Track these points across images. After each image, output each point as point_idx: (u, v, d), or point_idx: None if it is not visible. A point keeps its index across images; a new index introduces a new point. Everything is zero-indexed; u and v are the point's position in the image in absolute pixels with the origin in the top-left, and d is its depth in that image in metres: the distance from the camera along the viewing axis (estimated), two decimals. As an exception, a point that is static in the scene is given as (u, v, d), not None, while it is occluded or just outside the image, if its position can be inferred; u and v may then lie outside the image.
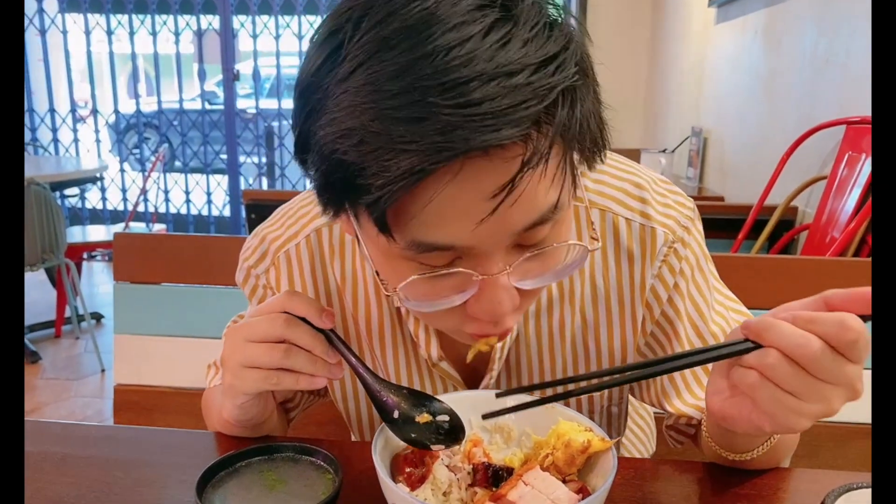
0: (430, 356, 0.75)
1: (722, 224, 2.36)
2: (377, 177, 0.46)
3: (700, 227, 0.77)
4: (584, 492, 0.59)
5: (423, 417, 0.63)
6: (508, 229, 0.51)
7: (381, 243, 0.53)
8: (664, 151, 3.46)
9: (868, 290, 0.50)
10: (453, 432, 0.63)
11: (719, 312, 0.78)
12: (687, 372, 0.76)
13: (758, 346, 0.53)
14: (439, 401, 0.65)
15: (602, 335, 0.76)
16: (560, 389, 0.58)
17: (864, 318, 0.51)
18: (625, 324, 0.76)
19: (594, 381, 0.58)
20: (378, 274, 0.58)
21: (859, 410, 1.16)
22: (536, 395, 0.61)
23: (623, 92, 4.44)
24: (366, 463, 0.65)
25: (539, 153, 0.48)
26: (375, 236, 0.52)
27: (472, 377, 0.78)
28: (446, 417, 0.64)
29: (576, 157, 0.53)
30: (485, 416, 0.61)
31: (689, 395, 0.77)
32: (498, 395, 0.59)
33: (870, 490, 0.53)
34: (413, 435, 0.62)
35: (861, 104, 1.94)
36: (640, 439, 1.01)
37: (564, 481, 0.60)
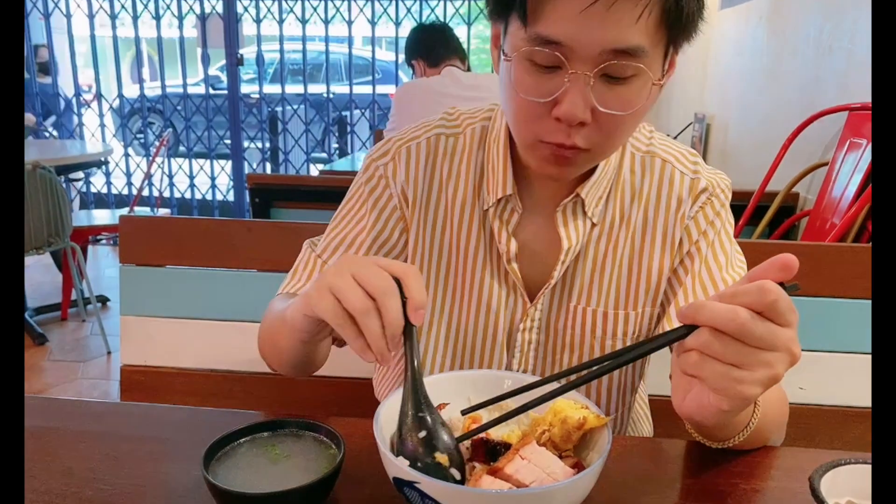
0: (508, 253, 0.85)
1: (724, 210, 2.36)
2: None
3: (730, 208, 0.90)
4: (579, 467, 0.61)
5: (440, 457, 0.60)
6: (602, 38, 0.66)
7: (516, 40, 0.70)
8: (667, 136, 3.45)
9: (783, 256, 0.54)
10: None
11: (737, 271, 0.87)
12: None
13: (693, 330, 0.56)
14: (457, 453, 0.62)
15: (644, 261, 0.87)
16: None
17: (784, 285, 0.54)
18: (665, 254, 0.87)
19: (561, 380, 0.64)
20: (507, 59, 0.73)
21: (854, 394, 1.17)
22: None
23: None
24: (367, 439, 0.67)
25: None
26: (514, 31, 0.70)
27: (532, 288, 0.88)
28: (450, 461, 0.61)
29: (665, 35, 0.68)
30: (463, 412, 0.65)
31: None
32: (464, 413, 0.65)
33: (855, 466, 0.55)
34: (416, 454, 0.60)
35: (864, 90, 1.94)
36: (642, 420, 1.03)
37: (561, 457, 0.61)
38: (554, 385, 0.63)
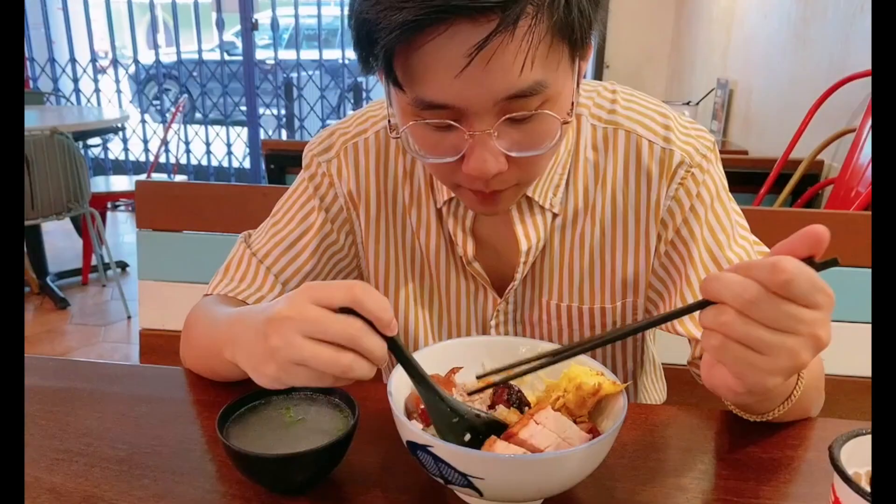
0: (466, 254, 0.81)
1: (746, 178, 2.32)
2: (383, 30, 0.57)
3: (719, 164, 0.80)
4: (594, 433, 0.60)
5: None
6: (490, 92, 0.59)
7: (402, 102, 0.64)
8: (688, 104, 3.38)
9: (811, 228, 0.48)
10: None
11: (741, 245, 0.79)
12: (698, 293, 0.75)
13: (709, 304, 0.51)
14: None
15: (618, 252, 0.81)
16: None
17: (811, 261, 0.48)
18: (639, 243, 0.80)
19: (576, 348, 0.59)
20: (396, 128, 0.68)
21: (870, 364, 1.16)
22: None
23: (649, 43, 4.32)
24: (381, 403, 0.67)
25: (509, 20, 0.55)
26: (395, 93, 0.63)
27: (500, 282, 0.83)
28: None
29: (566, 48, 0.60)
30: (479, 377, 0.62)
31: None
32: (479, 377, 0.62)
33: (877, 435, 0.54)
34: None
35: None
36: (656, 387, 1.02)
37: (575, 423, 0.61)
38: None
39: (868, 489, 0.48)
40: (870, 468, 0.53)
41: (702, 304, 0.52)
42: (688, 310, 0.54)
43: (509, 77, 0.58)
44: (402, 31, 0.56)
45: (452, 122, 0.62)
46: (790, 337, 0.49)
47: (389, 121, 0.70)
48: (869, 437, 0.54)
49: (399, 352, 0.57)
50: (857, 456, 0.53)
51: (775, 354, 0.49)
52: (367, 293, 0.54)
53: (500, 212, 0.75)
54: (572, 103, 0.66)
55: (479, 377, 0.63)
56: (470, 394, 0.63)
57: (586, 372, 0.63)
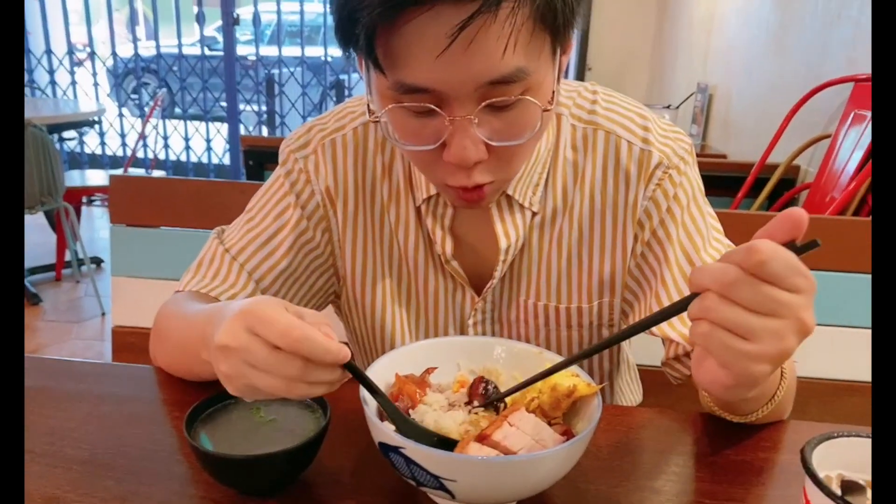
0: (444, 253, 0.80)
1: (724, 182, 2.34)
2: (365, 8, 0.56)
3: (696, 168, 0.81)
4: (568, 434, 0.60)
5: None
6: (471, 75, 0.58)
7: (381, 86, 0.62)
8: (668, 107, 3.41)
9: (790, 211, 0.49)
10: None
11: (715, 248, 0.79)
12: (673, 293, 0.77)
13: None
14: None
15: (595, 251, 0.81)
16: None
17: (793, 245, 0.48)
18: (616, 243, 0.80)
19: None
20: (375, 112, 0.66)
21: (850, 368, 1.17)
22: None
23: (630, 46, 4.35)
24: (354, 403, 0.66)
25: (491, 2, 0.55)
26: (375, 76, 0.62)
27: (478, 280, 0.83)
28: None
29: (547, 36, 0.60)
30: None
31: (678, 321, 0.76)
32: (473, 408, 0.62)
33: (848, 439, 0.54)
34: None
35: (871, 61, 1.90)
36: (632, 389, 1.02)
37: (550, 424, 0.61)
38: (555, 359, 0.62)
39: (839, 493, 0.48)
40: (841, 471, 0.54)
41: (689, 300, 0.52)
42: (677, 308, 0.54)
43: (491, 61, 0.58)
44: (384, 9, 0.56)
45: (433, 107, 0.61)
46: (773, 320, 0.49)
47: (369, 107, 0.68)
48: (841, 440, 0.54)
49: (357, 375, 0.56)
50: (829, 459, 0.53)
51: (760, 339, 0.49)
52: (306, 337, 0.51)
53: (482, 206, 0.74)
54: (553, 94, 0.65)
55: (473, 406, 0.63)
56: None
57: (561, 373, 0.62)
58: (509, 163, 0.68)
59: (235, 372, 0.53)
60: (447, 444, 0.57)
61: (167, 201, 1.24)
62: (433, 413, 0.60)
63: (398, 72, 0.59)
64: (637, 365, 1.07)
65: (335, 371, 0.54)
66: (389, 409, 0.58)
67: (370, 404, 0.58)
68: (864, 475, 0.52)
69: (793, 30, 2.45)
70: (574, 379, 0.62)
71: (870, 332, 0.47)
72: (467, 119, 0.61)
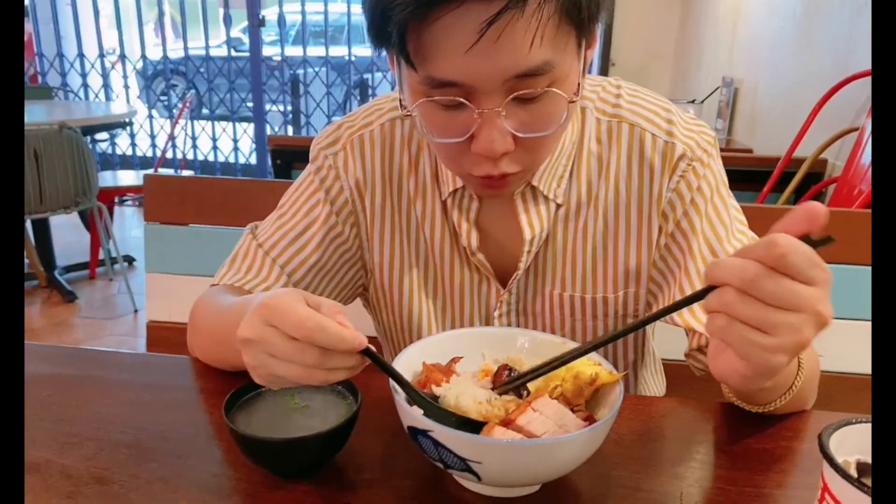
0: (470, 245, 0.82)
1: (750, 176, 2.32)
2: (397, 6, 0.59)
3: (720, 160, 0.82)
4: (590, 421, 0.62)
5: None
6: (499, 69, 0.61)
7: (412, 81, 0.65)
8: (692, 102, 3.38)
9: (807, 204, 0.50)
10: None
11: (739, 239, 0.80)
12: (697, 284, 0.78)
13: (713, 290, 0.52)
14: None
15: (620, 242, 0.82)
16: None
17: (809, 239, 0.49)
18: (641, 234, 0.81)
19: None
20: (407, 107, 0.69)
21: (870, 362, 1.16)
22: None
23: (654, 41, 4.32)
24: (384, 391, 0.68)
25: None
26: (407, 72, 0.64)
27: (503, 272, 0.84)
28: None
29: (573, 30, 0.62)
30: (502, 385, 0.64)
31: (702, 312, 0.78)
32: (496, 388, 0.64)
33: (865, 425, 0.55)
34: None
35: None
36: (655, 381, 1.03)
37: (572, 411, 0.62)
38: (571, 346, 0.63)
39: (856, 475, 0.49)
40: (859, 456, 0.54)
41: (706, 291, 0.53)
42: (692, 298, 0.55)
43: (518, 54, 0.60)
44: (416, 7, 0.58)
45: (462, 100, 0.63)
46: (792, 314, 0.50)
47: (401, 102, 0.71)
48: (858, 426, 0.55)
49: (375, 360, 0.57)
50: (847, 444, 0.54)
51: (779, 332, 0.50)
52: (320, 327, 0.53)
53: (506, 196, 0.76)
54: (578, 86, 0.67)
55: (496, 388, 0.64)
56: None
57: (584, 361, 0.64)
58: (535, 153, 0.70)
59: (258, 362, 0.56)
60: (465, 423, 0.59)
61: (199, 200, 1.28)
62: (454, 391, 0.62)
63: (428, 67, 0.62)
64: (661, 359, 1.08)
65: (352, 357, 0.56)
66: (409, 390, 0.60)
67: (399, 391, 0.60)
68: (881, 459, 0.53)
69: (819, 21, 2.42)
70: (596, 367, 0.64)
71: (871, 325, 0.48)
72: (495, 111, 0.63)
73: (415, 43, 0.61)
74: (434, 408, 0.60)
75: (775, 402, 0.71)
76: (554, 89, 0.64)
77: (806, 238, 0.50)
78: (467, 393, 0.62)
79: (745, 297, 0.50)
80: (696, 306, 0.78)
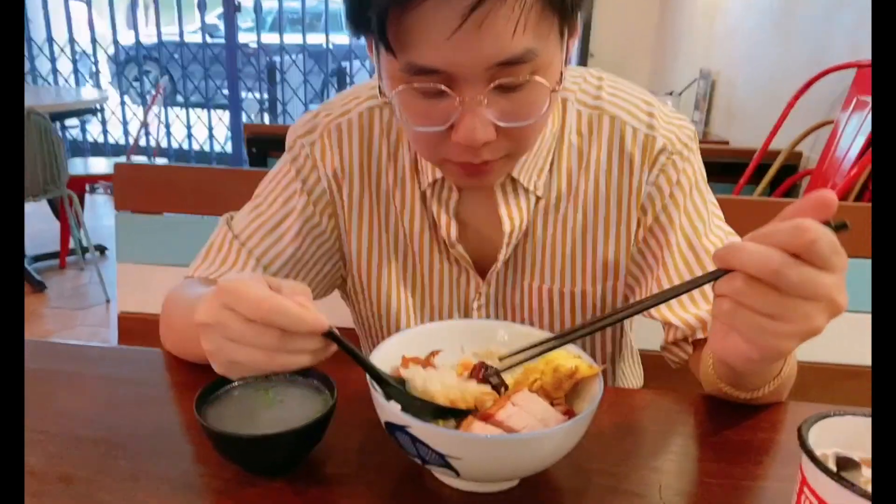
0: (449, 237, 0.81)
1: (726, 168, 2.34)
2: None
3: (699, 154, 0.82)
4: (570, 414, 0.61)
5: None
6: (481, 57, 0.59)
7: (392, 68, 0.63)
8: (671, 94, 3.40)
9: (819, 193, 0.48)
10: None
11: (716, 234, 0.80)
12: (674, 278, 0.78)
13: (724, 274, 0.51)
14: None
15: (599, 236, 0.81)
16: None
17: (829, 224, 0.48)
18: (620, 227, 0.81)
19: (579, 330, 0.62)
20: (386, 95, 0.67)
21: (848, 352, 1.18)
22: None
23: (632, 32, 4.33)
24: (361, 385, 0.67)
25: None
26: (386, 59, 0.63)
27: (482, 264, 0.84)
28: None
29: (556, 18, 0.61)
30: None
31: (678, 306, 0.78)
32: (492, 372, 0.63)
33: (844, 418, 0.55)
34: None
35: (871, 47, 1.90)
36: (633, 373, 1.04)
37: (552, 405, 0.62)
38: (546, 336, 0.63)
39: (834, 469, 0.49)
40: (837, 450, 0.55)
41: (713, 276, 0.51)
42: (700, 281, 0.53)
43: (501, 42, 0.59)
44: None
45: (443, 88, 0.62)
46: (808, 303, 0.49)
47: (380, 89, 0.69)
48: (837, 418, 0.55)
49: (338, 343, 0.56)
50: (826, 437, 0.54)
51: (792, 320, 0.49)
52: (278, 308, 0.51)
53: (486, 186, 0.75)
54: (561, 76, 0.66)
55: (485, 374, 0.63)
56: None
57: (563, 355, 0.63)
58: (517, 143, 0.69)
59: (216, 347, 0.55)
60: (432, 408, 0.59)
61: (171, 188, 1.25)
62: (421, 375, 0.61)
63: (409, 53, 0.61)
64: (639, 349, 1.08)
65: (314, 340, 0.54)
66: (374, 374, 0.59)
67: (377, 384, 0.59)
68: (859, 453, 0.53)
69: (796, 15, 2.44)
70: (576, 360, 0.63)
71: (871, 316, 0.47)
72: (477, 100, 0.62)
73: (395, 29, 0.60)
74: (399, 392, 0.59)
75: (764, 388, 0.70)
76: (537, 78, 0.63)
77: (826, 223, 0.48)
78: (435, 378, 0.61)
79: (759, 285, 0.48)
80: (673, 301, 0.78)
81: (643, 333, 1.08)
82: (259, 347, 0.53)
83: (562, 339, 0.62)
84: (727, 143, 2.89)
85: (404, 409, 0.58)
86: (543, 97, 0.65)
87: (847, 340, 1.17)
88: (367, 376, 0.59)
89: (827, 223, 0.48)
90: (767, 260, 0.47)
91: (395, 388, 0.59)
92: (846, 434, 0.55)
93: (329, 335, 0.54)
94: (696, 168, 0.81)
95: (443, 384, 0.60)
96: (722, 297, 0.51)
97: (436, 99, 0.64)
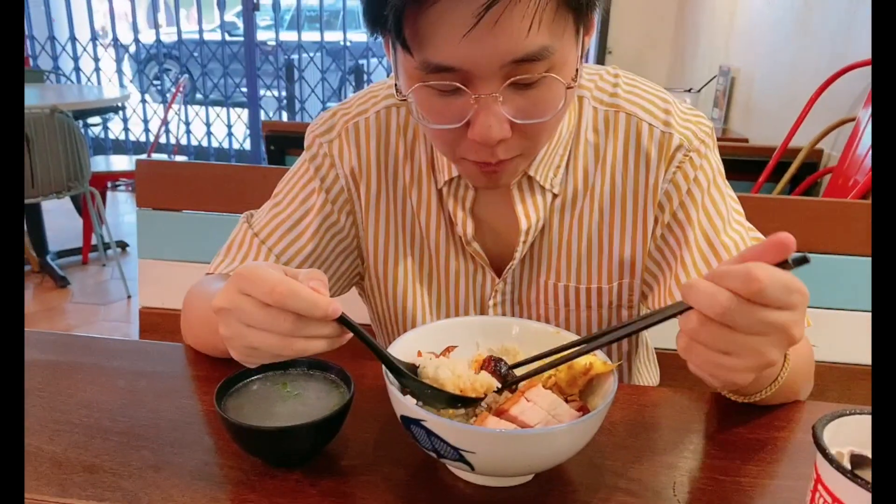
0: (465, 234, 0.81)
1: (745, 166, 2.32)
2: None
3: (716, 151, 0.82)
4: (584, 411, 0.62)
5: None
6: (496, 54, 0.60)
7: (408, 66, 0.64)
8: (689, 91, 3.37)
9: (777, 236, 0.49)
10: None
11: (735, 230, 0.80)
12: (693, 275, 0.78)
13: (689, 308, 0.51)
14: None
15: (616, 233, 0.82)
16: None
17: (783, 263, 0.49)
18: (637, 225, 0.81)
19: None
20: (402, 92, 0.68)
21: (863, 352, 1.17)
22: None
23: (651, 29, 4.30)
24: (377, 380, 0.68)
25: None
26: (403, 57, 0.63)
27: (498, 262, 0.84)
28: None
29: (571, 15, 0.62)
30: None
31: None
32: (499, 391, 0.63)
33: (859, 416, 0.55)
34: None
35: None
36: (649, 371, 1.04)
37: (566, 401, 0.62)
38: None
39: (850, 467, 0.49)
40: (852, 448, 0.55)
41: (681, 308, 0.52)
42: (668, 312, 0.54)
43: (516, 39, 0.59)
44: None
45: (458, 85, 0.62)
46: (758, 338, 0.50)
47: (396, 87, 0.70)
48: (852, 417, 0.55)
49: (350, 328, 0.57)
50: (841, 436, 0.54)
51: (741, 355, 0.50)
52: (292, 292, 0.53)
53: (502, 185, 0.75)
54: (576, 72, 0.66)
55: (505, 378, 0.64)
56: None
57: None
58: (532, 141, 0.69)
59: (233, 333, 0.56)
60: (443, 397, 0.60)
61: (192, 185, 1.27)
62: (434, 363, 0.62)
63: (425, 51, 0.61)
64: (655, 348, 1.08)
65: (329, 326, 0.55)
66: (386, 360, 0.60)
67: (393, 378, 0.60)
68: (874, 451, 0.53)
69: (817, 11, 2.41)
70: (591, 357, 0.64)
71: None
72: (492, 97, 0.63)
73: (411, 27, 0.60)
74: (411, 380, 0.61)
75: (761, 393, 0.71)
76: (552, 74, 0.63)
77: (782, 262, 0.49)
78: (446, 366, 0.62)
79: (710, 323, 0.50)
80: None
81: (660, 332, 1.07)
82: (274, 332, 0.54)
83: (559, 353, 0.62)
84: (746, 140, 2.86)
85: (414, 396, 0.59)
86: (559, 94, 0.65)
87: (866, 340, 1.16)
88: (383, 369, 0.60)
89: (785, 262, 0.49)
90: (716, 301, 0.48)
91: (406, 375, 0.60)
92: (861, 433, 0.54)
93: (341, 320, 0.56)
94: (714, 164, 0.80)
95: (453, 372, 0.61)
96: (680, 333, 0.52)
97: (452, 96, 0.64)
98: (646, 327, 0.57)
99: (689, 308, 0.51)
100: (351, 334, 0.57)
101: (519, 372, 0.65)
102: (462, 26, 0.58)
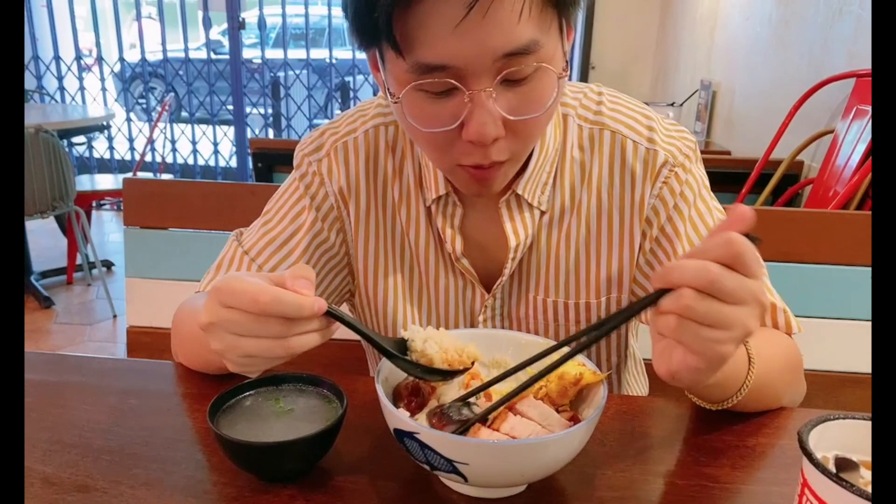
0: (454, 251, 0.82)
1: (728, 178, 2.36)
2: None
3: (701, 164, 0.84)
4: (575, 420, 0.62)
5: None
6: (488, 48, 0.61)
7: (399, 72, 0.64)
8: (672, 105, 3.42)
9: (737, 207, 0.53)
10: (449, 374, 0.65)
11: None
12: None
13: (667, 293, 0.53)
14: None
15: (603, 249, 0.83)
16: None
17: (749, 236, 0.53)
18: (623, 240, 0.82)
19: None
20: (395, 101, 0.68)
21: (852, 360, 1.19)
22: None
23: (633, 44, 4.36)
24: (369, 395, 0.69)
25: None
26: (394, 63, 0.64)
27: (487, 277, 0.85)
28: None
29: (555, 13, 0.63)
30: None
31: None
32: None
33: (843, 421, 0.56)
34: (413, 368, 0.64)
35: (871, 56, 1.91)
36: (638, 382, 1.04)
37: (557, 411, 0.63)
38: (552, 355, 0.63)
39: (834, 470, 0.50)
40: (837, 452, 0.56)
41: (658, 295, 0.54)
42: (647, 302, 0.55)
43: (505, 31, 0.60)
44: None
45: (451, 82, 0.63)
46: (742, 308, 0.53)
47: (388, 89, 0.69)
48: (836, 422, 0.56)
49: (338, 319, 0.58)
50: (825, 440, 0.55)
51: (730, 325, 0.52)
52: (275, 299, 0.54)
53: (493, 193, 0.76)
54: (566, 63, 0.68)
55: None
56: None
57: (568, 363, 0.65)
58: (525, 139, 0.70)
59: (227, 345, 0.56)
60: (432, 372, 0.63)
61: (179, 203, 1.27)
62: (422, 335, 0.64)
63: (416, 51, 0.62)
64: (643, 360, 1.09)
65: (318, 320, 0.57)
66: (374, 341, 0.62)
67: (385, 391, 0.61)
68: (858, 455, 0.54)
69: (795, 26, 2.46)
70: (581, 368, 0.65)
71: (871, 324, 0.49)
72: (485, 93, 0.63)
73: (401, 28, 0.61)
74: (399, 359, 0.63)
75: (731, 399, 0.71)
76: (543, 64, 0.64)
77: (747, 235, 0.53)
78: (433, 339, 0.63)
79: (704, 297, 0.52)
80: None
81: (647, 343, 1.09)
82: (266, 336, 0.55)
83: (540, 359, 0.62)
84: (729, 153, 2.91)
85: (406, 373, 0.63)
86: (551, 88, 0.66)
87: (850, 348, 1.18)
88: (377, 386, 0.60)
89: (748, 234, 0.53)
90: (704, 272, 0.51)
91: (396, 356, 0.63)
92: (846, 437, 0.56)
93: (328, 314, 0.57)
94: (699, 178, 0.82)
95: (440, 346, 0.63)
96: (667, 315, 0.54)
97: (444, 98, 0.65)
98: (625, 320, 0.58)
99: (663, 294, 0.53)
100: (336, 323, 0.59)
101: (507, 382, 0.65)
102: (451, 20, 0.59)
